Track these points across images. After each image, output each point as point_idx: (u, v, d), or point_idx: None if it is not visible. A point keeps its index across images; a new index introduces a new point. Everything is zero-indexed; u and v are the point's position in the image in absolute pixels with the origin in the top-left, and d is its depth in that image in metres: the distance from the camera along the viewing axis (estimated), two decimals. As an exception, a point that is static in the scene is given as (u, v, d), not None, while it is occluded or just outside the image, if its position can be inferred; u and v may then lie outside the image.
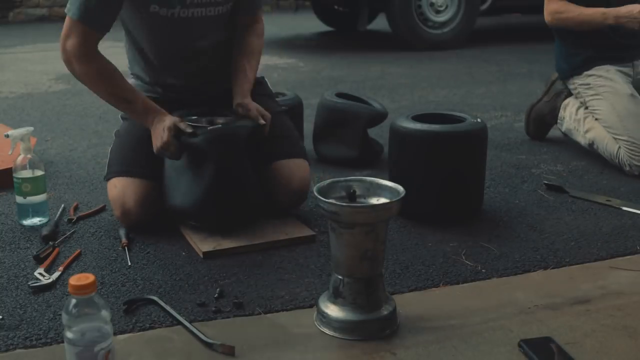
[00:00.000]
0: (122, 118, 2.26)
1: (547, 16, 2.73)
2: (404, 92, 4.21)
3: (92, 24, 1.96)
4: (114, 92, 2.03)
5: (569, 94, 2.90)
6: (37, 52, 6.06)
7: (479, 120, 2.19)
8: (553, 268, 1.85)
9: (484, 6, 6.18)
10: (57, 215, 2.19)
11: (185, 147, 1.97)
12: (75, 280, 1.24)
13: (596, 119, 2.70)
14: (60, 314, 1.32)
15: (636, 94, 2.67)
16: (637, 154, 2.54)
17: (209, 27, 2.14)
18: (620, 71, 2.71)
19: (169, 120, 1.98)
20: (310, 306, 1.64)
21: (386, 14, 5.94)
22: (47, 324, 1.57)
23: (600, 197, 2.32)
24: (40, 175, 2.13)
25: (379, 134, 2.90)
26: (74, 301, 1.24)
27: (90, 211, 2.24)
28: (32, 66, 5.27)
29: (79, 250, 1.94)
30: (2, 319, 1.58)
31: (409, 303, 1.66)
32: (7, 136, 2.12)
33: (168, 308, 1.61)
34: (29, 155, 2.12)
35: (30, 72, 5.02)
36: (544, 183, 2.45)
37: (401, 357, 1.44)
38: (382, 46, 6.19)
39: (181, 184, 2.01)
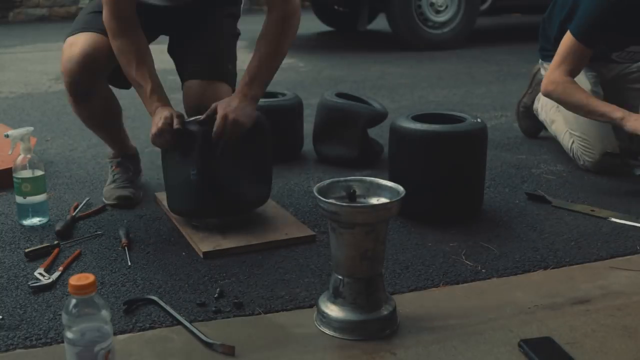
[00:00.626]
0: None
1: (547, 85, 2.48)
2: (404, 92, 4.21)
3: None
4: (128, 73, 2.05)
5: None
6: (37, 52, 6.06)
7: (479, 120, 2.19)
8: (553, 268, 1.85)
9: (484, 6, 6.18)
10: (79, 208, 2.23)
11: (178, 140, 1.97)
12: (75, 280, 1.24)
13: (559, 111, 2.70)
14: (60, 314, 1.32)
15: (599, 90, 2.66)
16: (588, 150, 2.57)
17: None
18: (590, 72, 2.68)
19: (168, 111, 1.99)
20: (310, 306, 1.64)
21: (386, 14, 5.94)
22: (47, 324, 1.57)
23: (584, 206, 2.24)
24: (40, 176, 2.14)
25: (379, 134, 2.90)
26: (74, 301, 1.24)
27: (90, 211, 2.24)
28: (32, 66, 5.27)
29: (78, 250, 1.94)
30: (2, 319, 1.58)
31: (409, 303, 1.66)
32: (7, 136, 2.13)
33: (168, 308, 1.61)
34: (28, 155, 2.13)
35: (30, 72, 5.02)
36: (525, 193, 2.37)
37: (401, 357, 1.44)
38: (382, 46, 6.19)
39: (177, 185, 2.03)
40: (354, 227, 1.47)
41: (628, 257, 1.91)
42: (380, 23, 6.44)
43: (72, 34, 2.15)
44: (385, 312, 1.53)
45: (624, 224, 2.12)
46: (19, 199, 2.13)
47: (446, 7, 5.90)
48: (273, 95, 2.84)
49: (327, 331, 1.52)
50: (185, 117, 2.05)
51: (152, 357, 1.45)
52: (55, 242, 1.98)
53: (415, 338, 1.51)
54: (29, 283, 1.74)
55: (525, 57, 5.48)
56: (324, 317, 1.54)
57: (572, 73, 2.45)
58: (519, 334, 1.50)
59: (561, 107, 2.62)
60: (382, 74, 4.81)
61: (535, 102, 2.93)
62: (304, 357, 1.45)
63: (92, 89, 2.15)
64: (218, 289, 1.70)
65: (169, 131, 1.95)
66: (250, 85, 2.01)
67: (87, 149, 3.00)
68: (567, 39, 2.44)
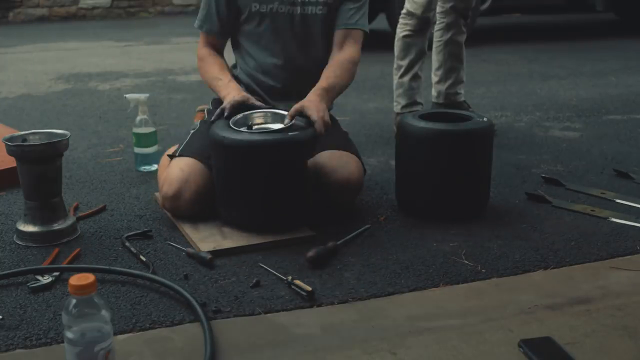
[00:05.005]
0: (208, 112, 2.36)
1: None
2: (404, 92, 4.20)
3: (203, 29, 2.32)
4: (209, 72, 2.25)
5: None
6: (37, 52, 6.06)
7: (485, 119, 2.19)
8: (553, 268, 1.85)
9: (484, 6, 6.18)
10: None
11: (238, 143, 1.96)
12: (75, 280, 1.24)
13: None
14: (60, 314, 1.32)
15: None
16: None
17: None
18: None
19: (242, 94, 2.12)
20: (310, 306, 1.64)
21: (386, 14, 5.94)
22: (47, 324, 1.57)
23: (584, 206, 2.26)
24: (152, 132, 2.68)
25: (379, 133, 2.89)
26: (74, 301, 1.24)
27: (90, 211, 2.24)
28: (32, 66, 5.27)
29: (78, 249, 1.94)
30: (2, 319, 1.58)
31: (409, 303, 1.66)
32: (126, 98, 2.78)
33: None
34: (145, 116, 2.66)
35: (30, 72, 5.02)
36: (525, 193, 2.39)
37: (401, 357, 1.44)
38: (382, 46, 6.18)
39: (234, 193, 2.02)
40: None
41: (628, 257, 1.91)
42: (381, 23, 6.44)
43: (190, 154, 2.15)
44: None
45: (624, 224, 2.12)
46: (135, 150, 2.69)
47: (446, 7, 5.90)
48: None
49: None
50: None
51: (152, 357, 1.45)
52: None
53: (415, 338, 1.51)
54: (29, 284, 1.73)
55: (525, 57, 5.49)
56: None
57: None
58: (519, 334, 1.50)
59: None
60: (382, 74, 4.81)
61: None
62: (304, 357, 1.45)
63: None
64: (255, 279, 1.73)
65: (240, 102, 2.08)
66: (327, 91, 2.13)
67: (87, 149, 3.00)
68: None
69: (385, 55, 5.73)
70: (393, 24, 5.90)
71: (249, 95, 2.13)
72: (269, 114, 2.10)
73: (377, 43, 6.55)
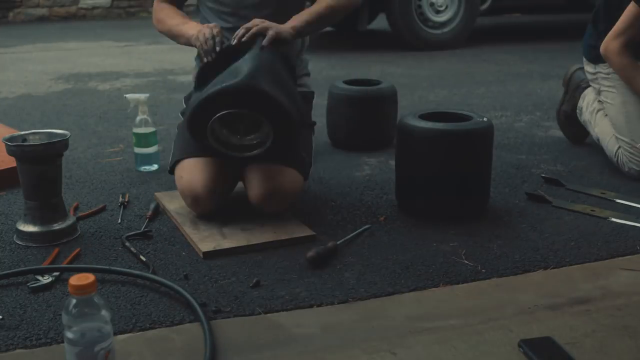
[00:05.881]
0: (182, 114, 2.33)
1: (608, 52, 2.52)
2: (404, 92, 4.20)
3: None
4: (170, 22, 2.26)
5: (588, 85, 2.83)
6: (37, 52, 6.06)
7: (485, 119, 2.19)
8: (553, 268, 1.85)
9: (484, 6, 6.18)
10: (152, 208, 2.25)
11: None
12: (75, 280, 1.24)
13: (605, 114, 2.66)
14: (60, 314, 1.32)
15: None
16: (636, 157, 2.50)
17: None
18: None
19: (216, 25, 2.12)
20: (310, 306, 1.64)
21: (386, 14, 5.94)
22: (47, 324, 1.57)
23: (584, 206, 2.25)
24: (152, 132, 2.68)
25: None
26: (74, 301, 1.24)
27: (90, 211, 2.24)
28: (32, 66, 5.26)
29: (78, 249, 1.94)
30: (2, 319, 1.58)
31: (409, 303, 1.66)
32: (126, 97, 2.75)
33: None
34: (145, 116, 2.65)
35: (30, 72, 5.02)
36: (525, 193, 2.38)
37: (401, 357, 1.44)
38: (382, 46, 6.19)
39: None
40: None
41: (628, 257, 1.91)
42: (380, 23, 6.44)
43: (181, 156, 2.15)
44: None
45: (624, 224, 2.12)
46: (136, 150, 2.68)
47: (446, 7, 5.91)
48: (368, 82, 3.06)
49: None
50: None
51: (152, 357, 1.45)
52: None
53: (415, 338, 1.51)
54: (28, 284, 1.73)
55: (525, 57, 5.49)
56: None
57: (630, 43, 2.47)
58: (519, 334, 1.50)
59: (608, 111, 2.61)
60: (382, 74, 4.81)
61: (580, 100, 2.85)
62: (304, 357, 1.45)
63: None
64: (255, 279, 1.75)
65: (218, 33, 2.06)
66: (297, 19, 2.15)
67: (87, 149, 3.00)
68: (632, 6, 2.42)
69: (386, 55, 5.76)
70: (393, 24, 5.93)
71: (216, 24, 2.12)
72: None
73: (377, 43, 6.57)
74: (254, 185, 2.08)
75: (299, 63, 2.39)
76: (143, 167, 2.69)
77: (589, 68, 2.75)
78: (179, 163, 2.15)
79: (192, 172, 2.09)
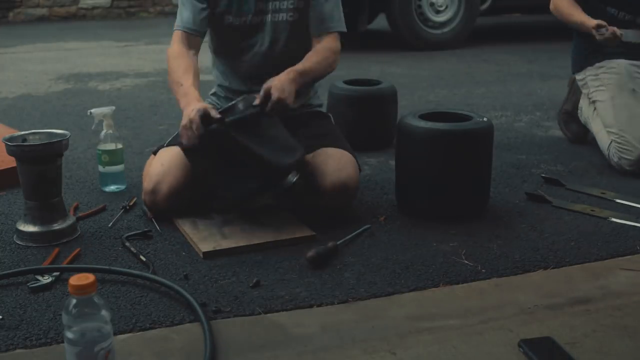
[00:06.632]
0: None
1: (550, 4, 2.79)
2: (404, 92, 4.20)
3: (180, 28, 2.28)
4: (175, 72, 2.15)
5: None
6: (37, 52, 6.06)
7: (485, 119, 2.19)
8: (553, 268, 1.85)
9: (484, 6, 6.18)
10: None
11: (211, 135, 1.95)
12: (75, 280, 1.24)
13: (596, 112, 2.70)
14: (60, 314, 1.32)
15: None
16: (625, 147, 2.54)
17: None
18: (633, 65, 2.69)
19: (201, 105, 1.97)
20: (310, 306, 1.64)
21: (386, 14, 5.94)
22: (47, 324, 1.57)
23: (584, 206, 2.26)
24: (119, 149, 2.45)
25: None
26: (74, 301, 1.24)
27: (90, 211, 2.24)
28: (32, 66, 5.26)
29: (78, 249, 1.94)
30: (2, 319, 1.58)
31: (409, 303, 1.66)
32: (90, 113, 2.48)
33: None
34: (110, 131, 2.45)
35: (30, 72, 5.02)
36: (525, 193, 2.38)
37: (401, 357, 1.44)
38: (382, 46, 6.19)
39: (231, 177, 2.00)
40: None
41: (628, 257, 1.91)
42: (380, 23, 6.44)
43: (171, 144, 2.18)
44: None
45: (624, 224, 2.12)
46: (100, 168, 2.45)
47: (446, 7, 5.91)
48: (368, 82, 3.07)
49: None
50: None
51: (152, 357, 1.45)
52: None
53: (415, 338, 1.51)
54: (28, 284, 1.73)
55: (525, 57, 5.49)
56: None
57: None
58: (519, 334, 1.50)
59: (599, 109, 2.67)
60: (382, 74, 4.81)
61: (581, 100, 2.89)
62: (303, 357, 1.45)
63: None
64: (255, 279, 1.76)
65: (198, 123, 1.92)
66: (300, 73, 2.10)
67: (87, 149, 3.00)
68: None
69: (386, 55, 5.76)
70: (393, 24, 5.93)
71: (207, 105, 2.01)
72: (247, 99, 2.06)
73: (377, 43, 6.56)
74: (327, 172, 2.08)
75: (312, 94, 2.44)
76: (109, 188, 2.45)
77: (578, 77, 2.85)
78: (166, 147, 2.15)
79: (170, 164, 2.09)
